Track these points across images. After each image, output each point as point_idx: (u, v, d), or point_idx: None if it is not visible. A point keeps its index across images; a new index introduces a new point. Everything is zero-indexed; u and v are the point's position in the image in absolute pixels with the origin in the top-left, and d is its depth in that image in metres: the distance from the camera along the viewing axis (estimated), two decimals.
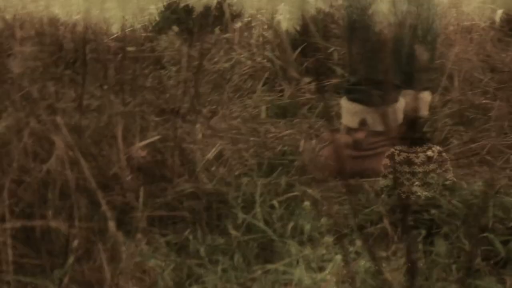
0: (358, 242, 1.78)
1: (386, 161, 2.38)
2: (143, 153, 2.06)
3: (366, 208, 2.17)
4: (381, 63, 2.32)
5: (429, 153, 2.36)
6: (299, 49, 3.29)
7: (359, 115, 2.34)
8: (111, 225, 1.47)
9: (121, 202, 1.85)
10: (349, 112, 2.36)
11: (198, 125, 1.99)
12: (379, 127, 2.36)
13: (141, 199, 1.80)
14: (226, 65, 2.39)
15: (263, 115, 2.98)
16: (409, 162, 2.37)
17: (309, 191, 2.18)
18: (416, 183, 2.23)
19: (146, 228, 1.80)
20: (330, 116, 2.84)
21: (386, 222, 2.07)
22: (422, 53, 0.87)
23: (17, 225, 1.54)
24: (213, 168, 2.11)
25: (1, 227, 1.56)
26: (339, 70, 3.34)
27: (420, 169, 2.32)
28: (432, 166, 2.32)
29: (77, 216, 1.60)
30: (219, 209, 2.00)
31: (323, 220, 2.08)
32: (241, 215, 1.96)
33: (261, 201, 2.04)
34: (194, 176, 2.03)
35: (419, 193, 2.21)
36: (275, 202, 2.03)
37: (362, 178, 2.34)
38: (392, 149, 2.37)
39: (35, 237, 1.65)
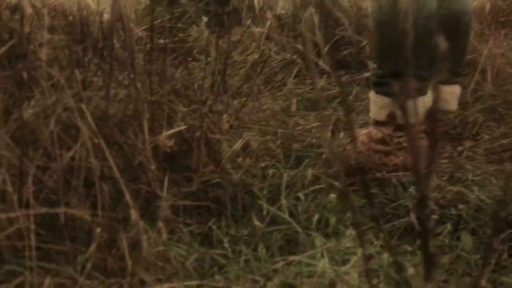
0: (381, 235, 1.77)
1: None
2: (170, 143, 2.06)
3: (393, 202, 2.15)
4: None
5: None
6: (331, 43, 3.27)
7: (387, 108, 2.32)
8: (133, 213, 1.47)
9: (146, 191, 1.85)
10: (377, 105, 2.34)
11: (224, 116, 1.99)
12: None
13: (165, 189, 1.81)
14: (256, 56, 2.38)
15: (293, 107, 2.97)
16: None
17: (336, 184, 2.17)
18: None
19: (170, 218, 1.80)
20: (360, 110, 2.83)
21: (412, 216, 2.06)
22: (441, 43, 0.85)
23: (41, 211, 1.55)
24: (240, 159, 2.11)
25: (25, 213, 1.57)
26: (371, 64, 3.32)
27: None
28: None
29: (100, 204, 1.60)
30: (244, 200, 2.00)
31: (349, 213, 2.07)
32: (266, 207, 1.96)
33: (286, 193, 2.04)
34: (220, 166, 2.03)
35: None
36: (300, 194, 2.02)
37: (389, 173, 2.32)
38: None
39: (59, 224, 1.65)
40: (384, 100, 2.32)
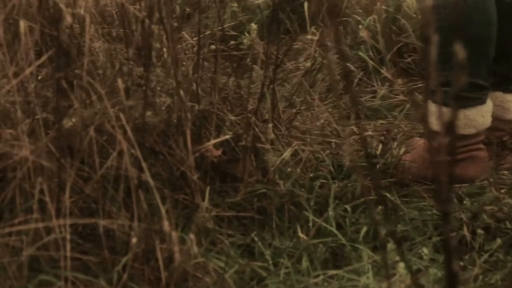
0: (425, 250, 1.71)
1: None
2: (218, 152, 2.04)
3: None
4: (467, 63, 2.22)
5: None
6: (394, 50, 3.20)
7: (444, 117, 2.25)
8: (166, 225, 1.45)
9: (189, 201, 1.83)
10: (434, 114, 2.27)
11: (270, 125, 1.95)
12: (466, 130, 2.26)
13: (206, 199, 1.78)
14: (308, 65, 2.34)
15: (352, 116, 2.91)
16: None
17: (388, 195, 2.11)
18: None
19: (211, 228, 1.77)
20: (421, 119, 2.76)
21: (465, 230, 1.99)
22: (459, 51, 0.80)
23: (77, 221, 1.55)
24: (289, 169, 2.07)
25: (62, 223, 1.56)
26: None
27: None
28: None
29: (136, 214, 1.59)
30: (291, 211, 1.96)
31: (400, 225, 2.01)
32: (312, 218, 1.92)
33: (335, 204, 1.99)
34: (267, 176, 2.00)
35: None
36: (347, 206, 1.97)
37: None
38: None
39: (98, 233, 1.65)
40: (442, 109, 2.25)
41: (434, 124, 2.27)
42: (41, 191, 1.60)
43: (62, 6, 1.60)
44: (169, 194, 1.77)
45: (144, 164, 1.52)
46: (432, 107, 2.26)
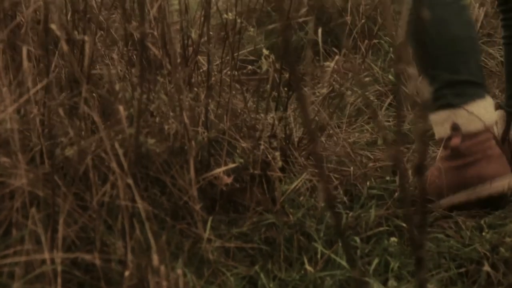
0: (430, 285, 1.64)
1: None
2: (228, 180, 1.99)
3: (467, 246, 2.00)
4: (455, 62, 2.16)
5: None
6: None
7: (448, 120, 2.16)
8: (155, 258, 1.41)
9: (193, 232, 1.79)
10: (438, 123, 2.19)
11: (277, 153, 1.90)
12: (473, 127, 2.16)
13: (207, 230, 1.73)
14: (324, 91, 2.28)
15: (380, 141, 2.84)
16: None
17: (403, 225, 2.04)
18: None
19: (213, 260, 1.73)
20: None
21: (485, 263, 1.90)
22: (424, 89, 0.74)
23: (66, 256, 1.51)
24: (301, 198, 2.01)
25: (56, 256, 1.53)
26: None
27: None
28: None
29: (130, 246, 1.55)
30: (300, 242, 1.90)
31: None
32: (320, 249, 1.86)
33: (347, 235, 1.93)
34: (277, 206, 1.94)
35: None
36: (357, 238, 1.90)
37: (466, 189, 2.15)
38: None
39: (95, 263, 1.61)
40: (444, 113, 2.17)
41: (441, 131, 2.20)
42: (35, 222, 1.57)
43: (58, 32, 1.57)
44: (171, 224, 1.73)
45: (136, 193, 1.48)
46: (434, 117, 2.19)
